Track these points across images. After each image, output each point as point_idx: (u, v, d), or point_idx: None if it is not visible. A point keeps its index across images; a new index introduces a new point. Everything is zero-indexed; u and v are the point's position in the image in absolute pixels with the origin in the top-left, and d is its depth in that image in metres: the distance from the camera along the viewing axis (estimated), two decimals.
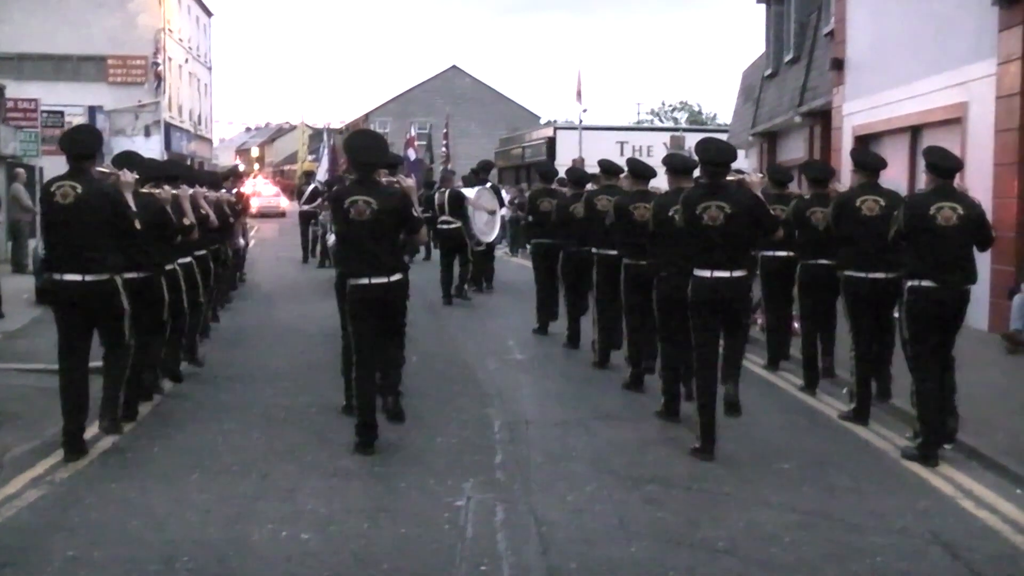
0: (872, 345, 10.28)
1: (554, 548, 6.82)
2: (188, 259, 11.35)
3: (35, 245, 21.41)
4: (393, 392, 9.41)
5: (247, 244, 25.15)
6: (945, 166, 8.97)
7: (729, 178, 9.17)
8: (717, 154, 9.18)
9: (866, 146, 18.91)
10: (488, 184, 22.29)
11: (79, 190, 8.58)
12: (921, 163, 17.04)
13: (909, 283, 8.88)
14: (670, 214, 9.90)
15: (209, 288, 13.04)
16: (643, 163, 11.88)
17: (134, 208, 8.90)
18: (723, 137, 22.53)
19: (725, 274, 8.90)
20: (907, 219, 8.90)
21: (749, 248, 9.42)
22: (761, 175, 11.32)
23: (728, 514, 7.49)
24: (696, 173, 10.11)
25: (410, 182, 9.67)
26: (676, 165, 10.42)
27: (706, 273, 8.94)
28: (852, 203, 10.07)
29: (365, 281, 8.87)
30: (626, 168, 12.12)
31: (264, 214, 54.03)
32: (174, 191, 10.38)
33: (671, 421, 10.13)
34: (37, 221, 25.08)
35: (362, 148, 9.20)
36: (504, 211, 24.67)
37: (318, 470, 8.45)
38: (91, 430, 8.98)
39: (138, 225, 8.87)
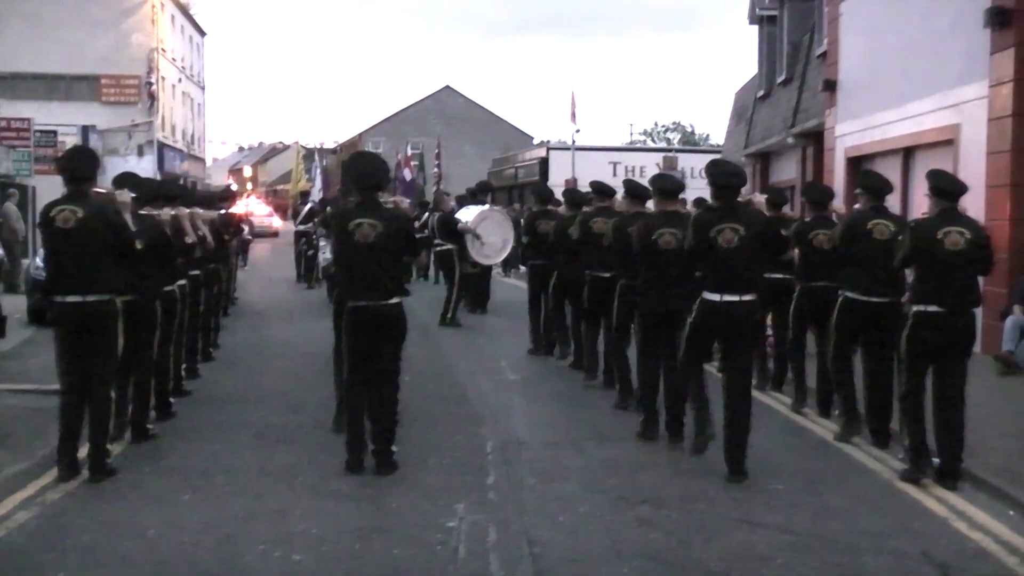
0: (851, 362, 10.39)
1: (547, 569, 6.80)
2: (183, 281, 11.37)
3: (27, 265, 21.40)
4: (385, 444, 9.00)
5: (242, 264, 25.13)
6: (950, 190, 8.90)
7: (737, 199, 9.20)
8: (729, 176, 9.18)
9: (858, 168, 18.97)
10: (487, 205, 21.87)
11: (80, 214, 8.55)
12: (914, 185, 17.34)
13: (915, 308, 8.81)
14: (653, 237, 9.97)
15: (200, 310, 13.01)
16: (640, 184, 11.81)
17: (133, 229, 8.89)
18: (716, 158, 22.57)
19: (735, 298, 8.88)
20: (913, 244, 8.81)
21: (762, 270, 9.41)
22: (765, 196, 11.32)
23: (721, 535, 7.48)
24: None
25: (406, 204, 9.67)
26: (664, 187, 10.43)
27: (715, 297, 8.92)
28: (864, 225, 10.01)
29: (364, 303, 8.86)
30: (623, 189, 12.13)
31: (257, 234, 53.94)
32: (172, 211, 10.38)
33: (649, 440, 10.16)
34: (29, 240, 25.19)
35: (365, 170, 9.13)
36: None
37: (310, 491, 8.43)
38: (84, 450, 8.92)
39: (139, 246, 8.87)
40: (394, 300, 8.93)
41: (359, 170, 9.16)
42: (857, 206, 10.57)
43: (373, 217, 8.81)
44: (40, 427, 9.84)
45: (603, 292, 12.19)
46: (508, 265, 30.27)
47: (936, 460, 8.80)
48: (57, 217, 8.58)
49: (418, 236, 9.28)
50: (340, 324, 9.31)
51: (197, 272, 12.22)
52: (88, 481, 8.52)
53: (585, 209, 13.68)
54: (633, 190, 11.74)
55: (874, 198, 10.21)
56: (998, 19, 14.62)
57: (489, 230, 19.77)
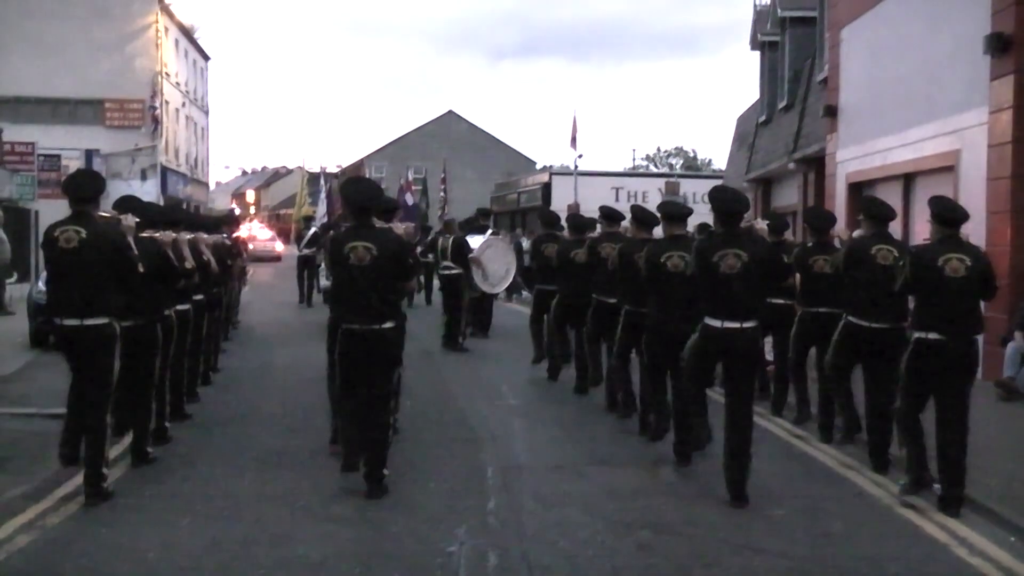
0: (848, 373, 10.62)
1: None
2: (187, 306, 11.40)
3: (30, 288, 21.37)
4: (375, 468, 8.93)
5: (241, 288, 24.85)
6: (951, 217, 8.90)
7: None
8: (732, 203, 9.20)
9: (859, 193, 19.01)
10: (489, 232, 21.97)
11: (83, 234, 8.60)
12: (915, 211, 17.36)
13: (916, 335, 8.81)
14: (662, 260, 10.04)
15: (202, 336, 13.00)
16: (648, 211, 11.84)
17: (136, 252, 8.93)
18: (717, 183, 22.58)
19: (736, 325, 8.90)
20: (914, 271, 8.80)
21: (764, 297, 9.43)
22: (767, 222, 11.34)
23: (721, 560, 7.47)
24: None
25: (403, 228, 9.70)
26: (672, 212, 10.52)
27: (716, 323, 8.94)
28: (867, 250, 10.05)
29: (357, 327, 8.88)
30: (630, 215, 12.17)
31: (259, 258, 53.96)
32: (174, 235, 10.41)
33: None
34: (31, 264, 25.13)
35: (358, 193, 9.24)
36: None
37: (310, 515, 8.43)
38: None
39: (141, 269, 8.90)
40: (388, 324, 8.94)
41: (352, 193, 9.29)
42: (859, 232, 10.60)
43: (368, 240, 8.86)
44: (40, 451, 9.84)
45: (609, 317, 12.26)
46: (511, 291, 30.29)
47: (937, 487, 8.79)
48: (60, 237, 8.64)
49: (422, 260, 9.28)
50: (332, 346, 9.42)
51: (200, 297, 12.24)
52: (84, 505, 8.51)
53: (591, 234, 13.77)
54: (641, 216, 11.78)
55: (877, 224, 10.24)
56: (998, 46, 14.68)
57: (492, 258, 19.86)
